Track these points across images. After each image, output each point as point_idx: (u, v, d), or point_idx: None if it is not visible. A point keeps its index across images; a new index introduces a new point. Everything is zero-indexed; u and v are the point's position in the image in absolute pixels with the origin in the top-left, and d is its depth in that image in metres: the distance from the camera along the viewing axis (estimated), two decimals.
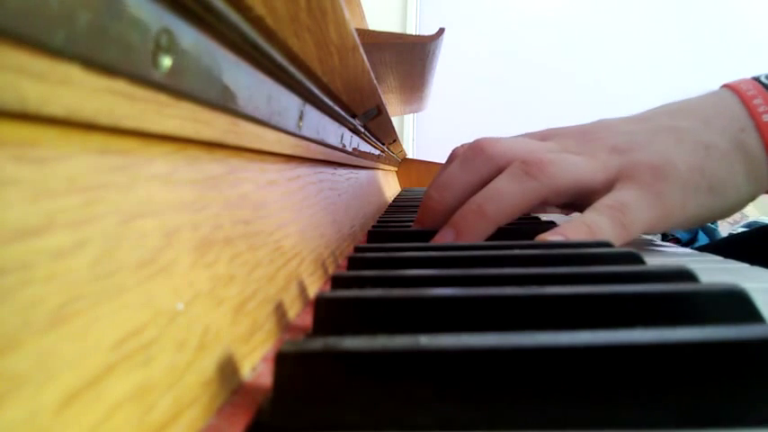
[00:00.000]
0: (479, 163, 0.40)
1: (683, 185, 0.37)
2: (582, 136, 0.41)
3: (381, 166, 0.95)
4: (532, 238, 0.35)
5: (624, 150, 0.38)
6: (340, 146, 0.43)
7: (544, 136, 0.43)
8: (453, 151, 0.48)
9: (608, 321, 0.18)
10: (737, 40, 2.43)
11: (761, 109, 0.38)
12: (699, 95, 0.41)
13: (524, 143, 0.41)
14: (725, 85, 0.42)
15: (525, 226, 0.45)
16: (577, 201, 0.39)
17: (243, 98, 0.19)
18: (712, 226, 1.97)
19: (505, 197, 0.37)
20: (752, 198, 0.39)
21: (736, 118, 0.39)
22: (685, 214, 0.37)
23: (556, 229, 0.35)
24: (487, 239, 0.37)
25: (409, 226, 0.47)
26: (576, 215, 0.40)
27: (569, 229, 0.35)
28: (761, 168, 0.38)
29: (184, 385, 0.13)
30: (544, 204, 0.39)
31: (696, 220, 0.39)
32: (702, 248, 0.52)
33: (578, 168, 0.38)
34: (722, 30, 2.45)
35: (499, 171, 0.39)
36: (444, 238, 0.37)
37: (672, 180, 0.37)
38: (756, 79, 0.40)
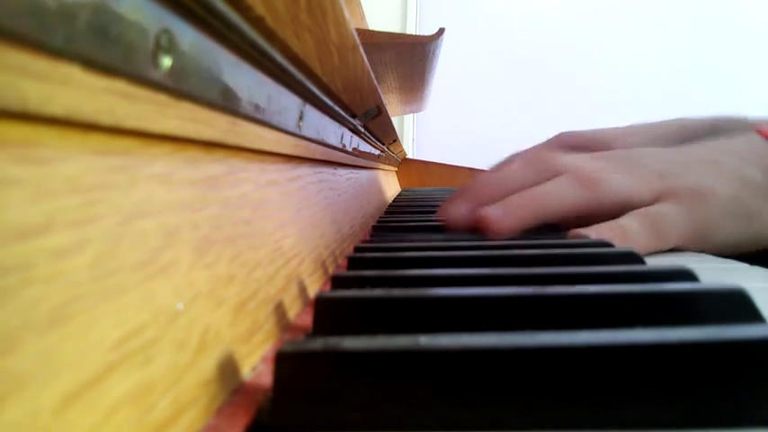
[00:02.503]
0: (540, 168, 0.43)
1: (721, 210, 0.39)
2: (626, 160, 0.44)
3: (381, 166, 0.95)
4: (536, 232, 0.36)
5: (668, 176, 0.42)
6: (340, 146, 0.43)
7: (593, 156, 0.46)
8: (509, 157, 0.52)
9: (608, 321, 0.18)
10: (737, 42, 2.43)
11: None
12: (728, 139, 0.45)
13: (582, 159, 0.44)
14: (750, 128, 0.46)
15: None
16: (617, 213, 0.41)
17: (243, 98, 0.19)
18: None
19: (557, 195, 0.40)
20: None
21: (766, 155, 0.42)
22: (720, 237, 0.40)
23: (590, 228, 0.38)
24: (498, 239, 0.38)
25: (410, 226, 0.47)
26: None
27: (603, 228, 0.38)
28: None
29: (184, 385, 0.13)
30: (588, 214, 0.41)
31: (730, 244, 0.40)
32: None
33: (625, 187, 0.41)
34: (722, 30, 2.45)
35: (555, 176, 0.42)
36: (491, 213, 0.39)
37: (711, 203, 0.39)
38: None
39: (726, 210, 0.39)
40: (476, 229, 0.40)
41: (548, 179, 0.42)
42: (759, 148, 0.43)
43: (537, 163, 0.44)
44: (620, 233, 0.38)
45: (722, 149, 0.44)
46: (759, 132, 0.44)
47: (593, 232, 0.38)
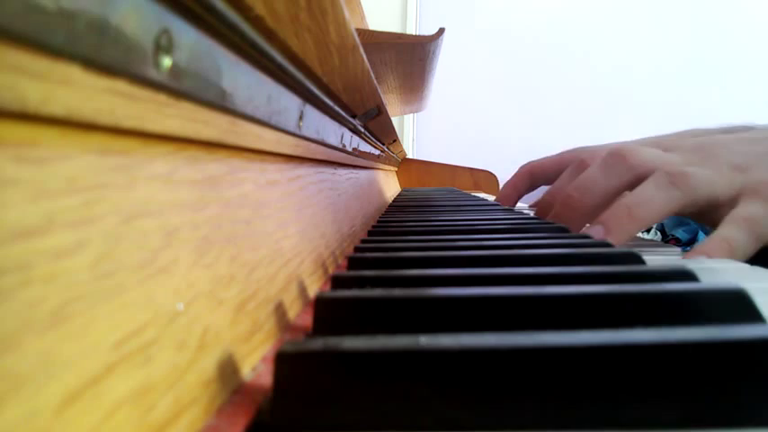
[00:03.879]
0: (621, 170, 0.44)
1: None
2: (699, 151, 0.44)
3: (381, 166, 0.95)
4: (536, 233, 0.36)
5: (745, 169, 0.42)
6: (340, 146, 0.43)
7: (661, 147, 0.46)
8: (580, 158, 0.52)
9: (608, 321, 0.18)
10: (739, 42, 2.43)
11: None
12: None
13: (660, 155, 0.45)
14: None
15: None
16: (706, 211, 0.42)
17: (243, 98, 0.19)
18: None
19: (653, 203, 0.41)
20: None
21: None
22: None
23: (696, 249, 0.39)
24: (496, 238, 0.38)
25: (410, 226, 0.47)
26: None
27: (710, 247, 0.38)
28: None
29: (184, 385, 0.13)
30: (679, 213, 0.42)
31: None
32: None
33: (713, 182, 0.41)
34: (723, 30, 2.45)
35: (638, 179, 0.43)
36: (594, 234, 0.41)
37: None
38: None
39: None
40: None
41: (630, 181, 0.43)
42: None
43: (614, 165, 0.44)
44: (727, 248, 0.38)
45: None
46: None
47: (702, 254, 0.38)
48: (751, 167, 0.42)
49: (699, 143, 0.45)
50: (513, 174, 0.71)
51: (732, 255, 0.38)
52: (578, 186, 0.45)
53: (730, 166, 0.42)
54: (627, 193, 0.44)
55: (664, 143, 0.47)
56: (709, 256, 0.37)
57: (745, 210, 0.40)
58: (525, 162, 0.69)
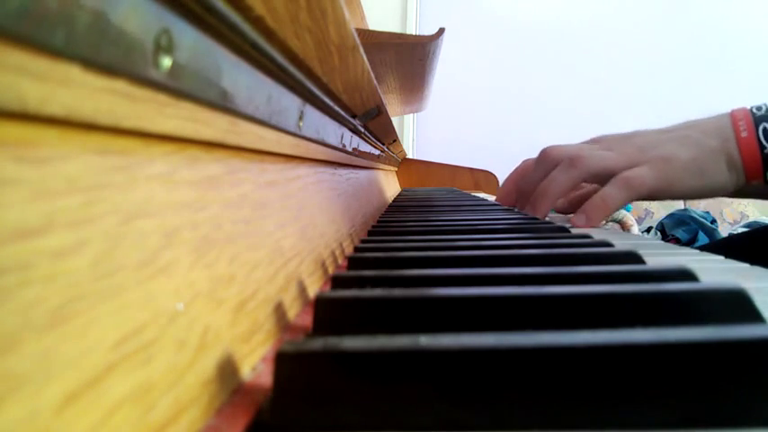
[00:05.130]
0: (545, 163, 0.62)
1: (682, 168, 0.56)
2: (622, 140, 0.61)
3: (381, 166, 0.95)
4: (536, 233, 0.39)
5: (646, 149, 0.58)
6: (340, 146, 0.43)
7: (594, 141, 0.64)
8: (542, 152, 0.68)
9: (608, 321, 0.18)
10: (739, 38, 2.43)
11: (741, 127, 0.57)
12: (708, 117, 0.61)
13: (572, 147, 0.62)
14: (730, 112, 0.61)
15: (531, 224, 0.45)
16: (604, 181, 0.58)
17: (243, 98, 0.19)
18: (712, 226, 1.97)
19: (558, 181, 0.59)
20: (733, 185, 0.58)
21: (726, 132, 0.58)
22: (681, 188, 0.56)
23: (579, 211, 0.57)
24: (496, 238, 0.38)
25: (410, 226, 0.47)
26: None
27: (588, 205, 0.56)
28: (738, 165, 0.57)
29: (184, 385, 0.13)
30: (585, 181, 0.60)
31: (688, 193, 0.58)
32: (702, 248, 0.52)
33: (606, 159, 0.58)
34: (723, 28, 2.45)
35: (556, 166, 0.60)
36: (529, 211, 0.61)
37: (674, 163, 0.56)
38: (750, 108, 0.59)
39: (686, 168, 0.56)
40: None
41: (550, 170, 0.60)
42: (723, 126, 0.58)
43: (542, 162, 0.63)
44: (600, 202, 0.56)
45: (693, 127, 0.59)
46: (731, 114, 0.59)
47: (583, 213, 0.56)
48: (652, 147, 0.57)
49: (623, 135, 0.61)
50: (513, 169, 0.75)
51: (607, 208, 0.55)
52: (525, 180, 0.66)
53: (636, 147, 0.58)
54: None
55: (596, 139, 0.63)
56: (589, 216, 0.56)
57: (628, 172, 0.55)
58: (526, 159, 0.77)
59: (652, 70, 2.49)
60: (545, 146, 0.65)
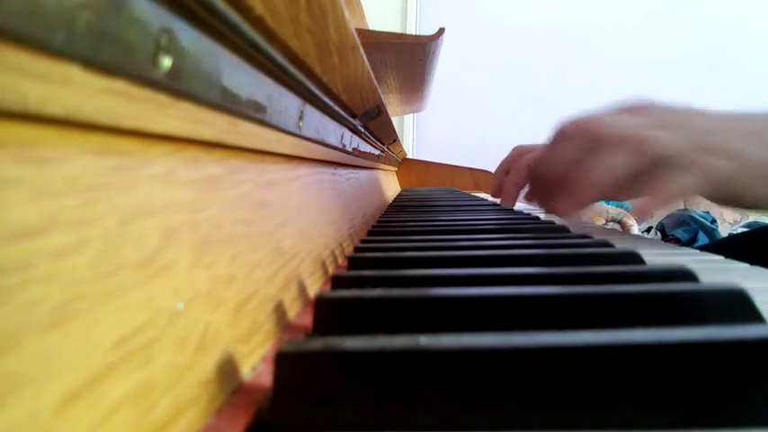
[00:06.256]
0: (581, 141, 0.45)
1: (756, 171, 0.43)
2: (677, 117, 0.46)
3: (381, 166, 0.95)
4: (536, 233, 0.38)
5: (711, 137, 0.44)
6: (340, 146, 0.43)
7: (635, 109, 0.48)
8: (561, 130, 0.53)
9: (608, 321, 0.18)
10: (739, 35, 2.43)
11: None
12: (760, 111, 0.49)
13: (618, 120, 0.45)
14: None
15: (530, 224, 0.45)
16: (656, 168, 0.44)
17: (243, 98, 0.19)
18: (712, 226, 1.97)
19: (613, 167, 0.43)
20: None
21: None
22: (751, 196, 0.43)
23: (647, 198, 0.42)
24: (496, 238, 0.38)
25: (410, 226, 0.47)
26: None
27: (659, 192, 0.41)
28: None
29: (184, 385, 0.13)
30: (633, 172, 0.44)
31: (760, 204, 0.45)
32: (703, 248, 0.52)
33: (676, 145, 0.43)
34: (724, 27, 2.45)
35: (597, 145, 0.44)
36: (561, 205, 0.44)
37: (746, 164, 0.43)
38: None
39: (757, 173, 0.43)
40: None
41: (589, 148, 0.44)
42: None
43: (573, 137, 0.45)
44: (670, 190, 0.41)
45: (754, 120, 0.46)
46: None
47: (651, 202, 0.41)
48: (720, 139, 0.44)
49: (675, 110, 0.47)
50: (504, 159, 0.71)
51: (678, 194, 0.41)
52: (543, 161, 0.46)
53: (699, 132, 0.44)
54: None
55: (648, 110, 0.48)
56: (656, 200, 0.41)
57: (698, 157, 0.42)
58: (517, 145, 0.69)
59: (652, 70, 2.49)
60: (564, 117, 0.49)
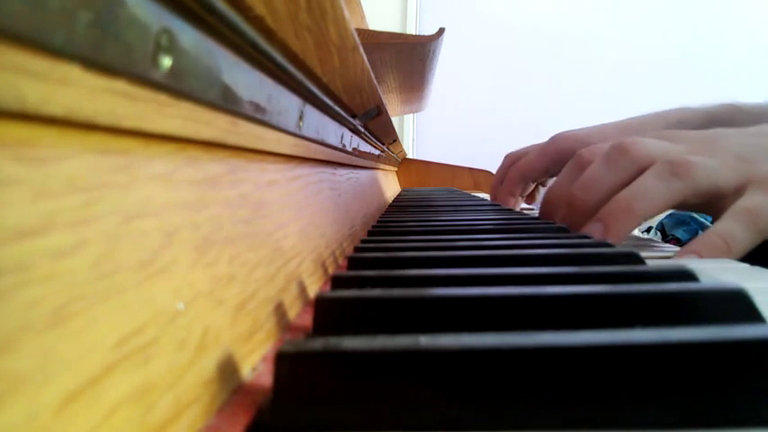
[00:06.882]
0: (625, 164, 0.42)
1: None
2: (704, 142, 0.43)
3: (381, 166, 0.95)
4: (536, 233, 0.37)
5: (750, 160, 0.40)
6: (340, 146, 0.43)
7: (663, 137, 0.44)
8: (578, 154, 0.49)
9: (608, 321, 0.18)
10: (738, 34, 2.43)
11: None
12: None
13: (664, 146, 0.42)
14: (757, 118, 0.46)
15: (535, 224, 0.45)
16: (709, 202, 0.40)
17: (243, 98, 0.19)
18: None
19: (652, 195, 0.39)
20: None
21: None
22: None
23: (688, 247, 0.37)
24: (496, 238, 0.38)
25: (410, 226, 0.47)
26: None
27: (704, 243, 0.37)
28: None
29: (184, 385, 0.13)
30: (681, 205, 0.40)
31: None
32: None
33: (717, 172, 0.39)
34: (723, 25, 2.45)
35: (641, 171, 0.41)
36: (593, 232, 0.39)
37: None
38: None
39: None
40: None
41: (633, 175, 0.41)
42: None
43: (617, 160, 0.42)
44: (721, 244, 0.36)
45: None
46: None
47: (693, 254, 0.36)
48: (757, 159, 0.40)
49: (703, 134, 0.44)
50: (498, 168, 0.70)
51: (728, 252, 0.36)
52: (582, 186, 0.44)
53: (736, 156, 0.40)
54: None
55: (667, 135, 0.45)
56: (701, 255, 0.36)
57: (749, 200, 0.38)
58: (508, 153, 0.69)
59: (652, 71, 2.49)
60: (618, 140, 0.44)
